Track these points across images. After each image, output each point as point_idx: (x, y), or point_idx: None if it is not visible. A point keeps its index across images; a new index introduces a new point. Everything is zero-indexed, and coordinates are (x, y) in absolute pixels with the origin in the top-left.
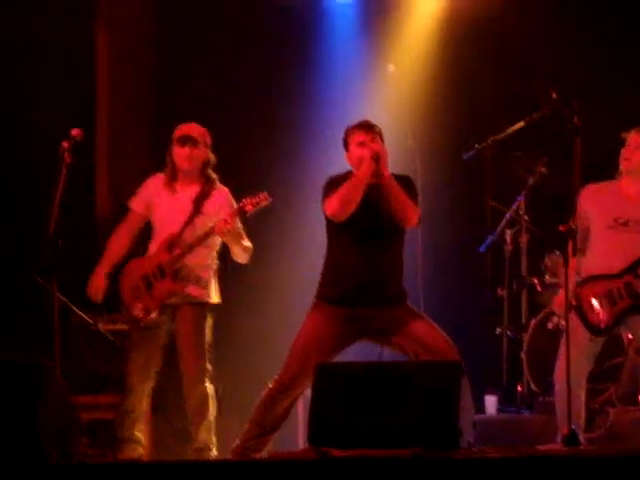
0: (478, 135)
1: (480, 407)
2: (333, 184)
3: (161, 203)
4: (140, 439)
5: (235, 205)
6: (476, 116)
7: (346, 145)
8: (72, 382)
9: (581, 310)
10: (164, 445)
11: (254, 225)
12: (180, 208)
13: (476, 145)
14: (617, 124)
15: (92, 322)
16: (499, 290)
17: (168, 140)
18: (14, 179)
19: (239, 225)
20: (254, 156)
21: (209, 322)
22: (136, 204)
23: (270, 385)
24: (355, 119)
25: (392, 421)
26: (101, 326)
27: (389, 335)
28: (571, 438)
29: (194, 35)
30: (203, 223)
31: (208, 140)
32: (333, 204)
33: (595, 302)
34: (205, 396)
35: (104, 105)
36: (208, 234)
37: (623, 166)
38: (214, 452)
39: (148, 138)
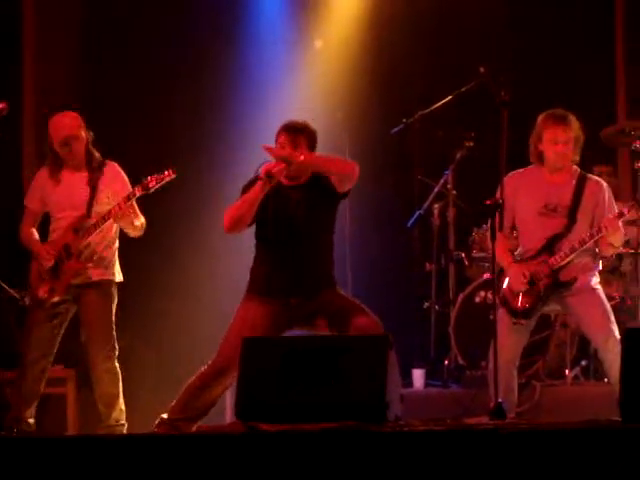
0: (406, 109)
1: (408, 381)
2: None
3: (52, 193)
4: (29, 422)
5: (125, 178)
6: (405, 90)
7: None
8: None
9: (503, 296)
10: (92, 419)
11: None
12: (75, 192)
13: (404, 119)
14: (546, 99)
15: (19, 297)
16: (427, 264)
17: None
18: None
19: (133, 207)
20: (176, 135)
21: (113, 300)
22: (29, 201)
23: (202, 370)
24: (284, 95)
25: (320, 395)
26: (27, 300)
27: (317, 319)
28: (497, 411)
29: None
30: (102, 201)
31: (82, 123)
32: (225, 221)
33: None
34: (115, 374)
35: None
36: (106, 218)
37: (561, 163)
38: (125, 427)
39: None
